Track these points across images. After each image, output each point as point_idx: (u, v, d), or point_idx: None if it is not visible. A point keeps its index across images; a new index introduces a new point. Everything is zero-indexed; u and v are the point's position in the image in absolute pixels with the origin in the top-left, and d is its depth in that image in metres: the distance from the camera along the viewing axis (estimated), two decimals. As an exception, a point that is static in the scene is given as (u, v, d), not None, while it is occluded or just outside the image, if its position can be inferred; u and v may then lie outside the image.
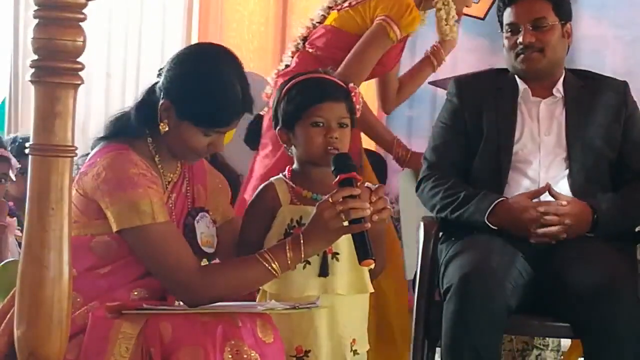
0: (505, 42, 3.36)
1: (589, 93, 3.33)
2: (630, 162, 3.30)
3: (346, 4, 3.76)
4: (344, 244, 2.60)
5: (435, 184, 3.29)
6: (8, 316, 2.36)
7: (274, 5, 5.69)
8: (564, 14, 3.35)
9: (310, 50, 3.76)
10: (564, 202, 3.13)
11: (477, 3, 4.91)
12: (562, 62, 3.38)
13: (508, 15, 3.34)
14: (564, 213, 3.11)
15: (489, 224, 3.14)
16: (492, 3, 4.91)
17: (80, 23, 1.90)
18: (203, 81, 2.47)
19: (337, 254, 2.62)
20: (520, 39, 3.29)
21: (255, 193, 2.74)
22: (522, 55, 3.31)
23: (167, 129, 2.50)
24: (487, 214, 3.14)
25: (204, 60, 2.52)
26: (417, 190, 3.38)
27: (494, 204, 3.15)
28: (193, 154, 2.56)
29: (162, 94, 2.50)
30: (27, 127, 5.04)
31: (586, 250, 3.08)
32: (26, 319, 1.91)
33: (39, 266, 1.89)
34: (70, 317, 1.96)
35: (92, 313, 2.39)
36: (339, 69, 3.52)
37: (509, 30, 3.34)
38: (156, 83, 2.56)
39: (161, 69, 2.55)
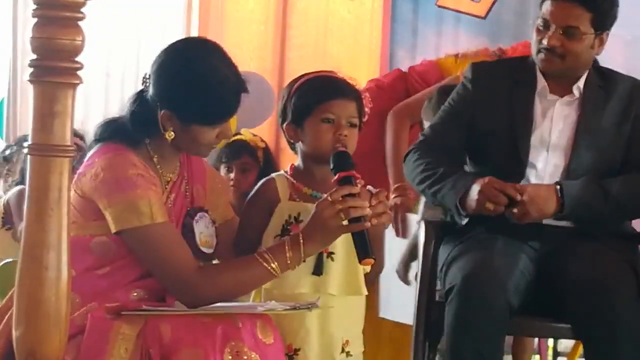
0: (534, 33, 3.21)
1: (604, 94, 3.21)
2: (635, 156, 3.19)
3: None
4: (340, 244, 2.59)
5: (419, 155, 3.22)
6: (6, 317, 2.35)
7: (274, 5, 5.70)
8: (603, 25, 3.18)
9: None
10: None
11: (478, 2, 4.91)
12: (584, 66, 3.21)
13: (546, 8, 3.17)
14: (522, 191, 3.04)
15: (459, 208, 3.08)
16: (493, 3, 4.88)
17: (79, 22, 1.90)
18: (195, 82, 2.46)
19: (333, 253, 2.61)
20: (545, 40, 3.15)
21: (255, 188, 2.73)
22: (542, 55, 3.17)
23: (173, 136, 2.50)
24: (459, 198, 3.07)
25: (187, 60, 2.49)
26: (404, 161, 3.32)
27: (466, 188, 3.07)
28: (206, 148, 2.56)
29: (157, 105, 2.49)
30: (25, 127, 5.04)
31: (587, 251, 3.06)
32: (25, 319, 1.91)
33: (38, 266, 1.89)
34: (69, 318, 1.96)
35: (91, 314, 2.39)
36: None
37: (541, 23, 3.18)
38: (142, 91, 2.54)
39: (146, 77, 2.53)
